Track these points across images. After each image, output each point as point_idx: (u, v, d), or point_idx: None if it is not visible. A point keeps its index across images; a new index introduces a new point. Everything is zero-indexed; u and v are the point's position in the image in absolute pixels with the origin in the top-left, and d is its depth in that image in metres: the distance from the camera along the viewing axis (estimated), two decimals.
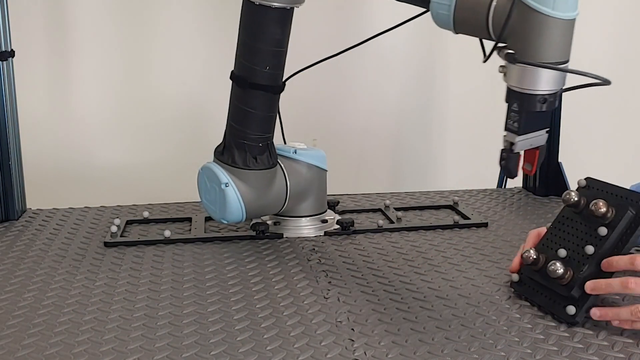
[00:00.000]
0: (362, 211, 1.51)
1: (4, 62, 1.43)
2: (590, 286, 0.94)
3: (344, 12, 2.05)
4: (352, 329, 0.95)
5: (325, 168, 1.38)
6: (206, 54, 2.04)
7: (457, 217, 1.43)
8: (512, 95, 0.95)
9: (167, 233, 1.33)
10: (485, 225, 1.41)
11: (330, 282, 1.12)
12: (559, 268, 0.96)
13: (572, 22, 0.91)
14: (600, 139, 2.24)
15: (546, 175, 1.63)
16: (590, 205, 0.98)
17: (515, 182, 1.74)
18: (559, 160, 1.63)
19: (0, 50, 1.42)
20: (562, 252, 0.99)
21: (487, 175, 1.83)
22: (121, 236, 1.34)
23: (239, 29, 1.25)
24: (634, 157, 2.24)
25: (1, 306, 1.03)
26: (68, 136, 2.04)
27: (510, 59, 0.92)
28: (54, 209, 1.54)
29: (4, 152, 1.44)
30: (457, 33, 1.01)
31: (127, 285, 1.11)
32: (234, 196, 1.25)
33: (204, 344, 0.91)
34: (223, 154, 1.29)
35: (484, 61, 0.98)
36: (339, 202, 1.52)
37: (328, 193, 1.42)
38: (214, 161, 1.31)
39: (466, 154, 2.21)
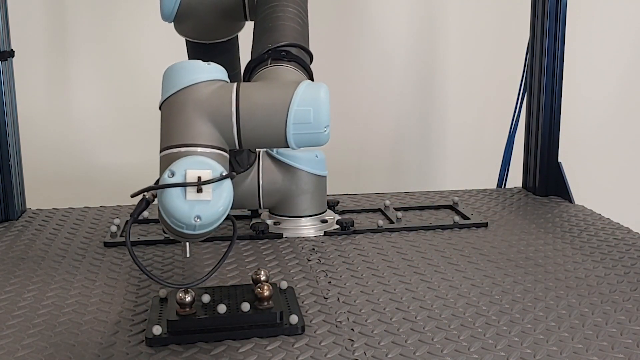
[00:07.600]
0: (362, 211, 1.51)
1: (4, 62, 1.43)
2: None
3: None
4: (352, 329, 0.95)
5: (325, 171, 1.38)
6: None
7: (457, 217, 1.43)
8: None
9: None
10: (485, 225, 1.41)
11: (330, 282, 1.12)
12: None
13: None
14: (600, 138, 2.24)
15: (546, 175, 1.64)
16: None
17: (515, 182, 1.75)
18: (559, 160, 1.63)
19: (0, 50, 1.42)
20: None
21: (487, 175, 1.83)
22: (121, 236, 1.34)
23: None
24: (634, 156, 2.24)
25: (1, 306, 1.03)
26: (68, 136, 2.04)
27: None
28: (53, 209, 1.54)
29: (4, 152, 1.44)
30: None
31: (127, 285, 1.11)
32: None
33: (204, 344, 0.91)
34: None
35: None
36: (338, 202, 1.52)
37: (328, 193, 1.42)
38: None
39: (466, 154, 2.21)
